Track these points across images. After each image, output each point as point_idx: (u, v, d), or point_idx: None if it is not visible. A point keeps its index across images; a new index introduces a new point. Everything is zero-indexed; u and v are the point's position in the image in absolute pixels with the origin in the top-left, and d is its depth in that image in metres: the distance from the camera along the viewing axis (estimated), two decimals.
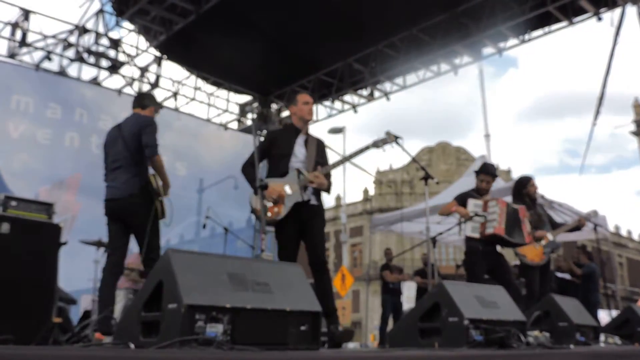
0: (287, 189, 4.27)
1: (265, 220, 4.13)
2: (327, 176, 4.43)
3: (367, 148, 4.41)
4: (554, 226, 6.41)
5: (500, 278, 5.55)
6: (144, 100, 5.11)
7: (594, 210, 7.29)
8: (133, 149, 4.73)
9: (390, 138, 4.41)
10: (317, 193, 4.43)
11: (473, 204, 5.68)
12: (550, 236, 6.17)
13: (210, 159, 11.98)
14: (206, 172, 11.93)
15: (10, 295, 3.73)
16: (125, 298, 6.70)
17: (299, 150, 4.44)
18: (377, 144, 4.41)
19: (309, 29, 10.45)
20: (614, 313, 7.56)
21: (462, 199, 5.84)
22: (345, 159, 4.44)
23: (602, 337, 4.99)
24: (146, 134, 4.71)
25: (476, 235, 5.62)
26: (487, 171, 5.99)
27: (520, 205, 5.96)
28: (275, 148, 4.46)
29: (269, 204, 4.24)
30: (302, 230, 4.33)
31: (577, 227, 6.53)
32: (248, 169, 4.40)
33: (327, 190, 4.44)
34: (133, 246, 8.70)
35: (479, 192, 5.95)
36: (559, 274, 9.70)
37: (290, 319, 2.59)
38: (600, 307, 10.20)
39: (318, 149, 4.52)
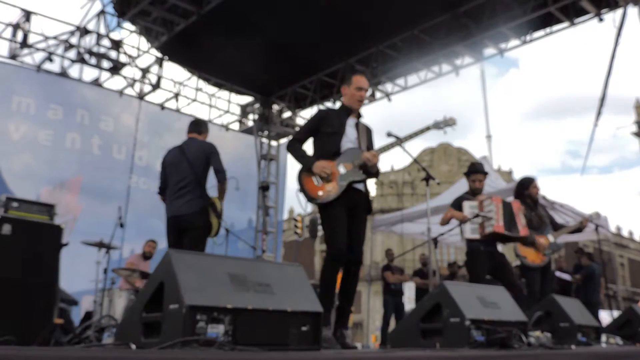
0: (341, 168, 4.01)
1: (314, 200, 3.91)
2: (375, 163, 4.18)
3: (427, 129, 4.28)
4: (556, 228, 6.40)
5: (503, 278, 5.54)
6: (200, 126, 5.65)
7: (596, 212, 7.28)
8: (199, 173, 5.25)
9: (450, 120, 4.30)
10: (366, 175, 4.13)
11: (468, 206, 5.67)
12: (551, 238, 6.16)
13: None
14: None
15: (12, 296, 3.74)
16: (127, 299, 6.70)
17: (350, 131, 4.19)
18: (437, 125, 4.30)
19: (310, 29, 10.45)
20: (616, 313, 7.55)
21: (457, 204, 5.82)
22: (401, 141, 4.19)
23: (603, 337, 4.98)
24: (215, 161, 5.31)
25: (476, 236, 5.60)
26: (476, 170, 5.99)
27: (512, 200, 5.96)
28: (325, 126, 4.14)
29: (320, 183, 3.96)
30: (349, 216, 4.01)
31: (578, 229, 6.52)
32: (295, 146, 4.15)
33: (376, 174, 4.20)
34: (135, 248, 8.72)
35: (473, 192, 5.93)
36: (560, 275, 9.70)
37: (291, 320, 2.58)
38: (602, 307, 10.21)
39: (367, 134, 4.31)
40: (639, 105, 39.24)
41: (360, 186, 4.09)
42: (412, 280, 10.37)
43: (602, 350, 4.45)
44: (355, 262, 4.01)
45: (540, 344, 3.85)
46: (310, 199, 3.99)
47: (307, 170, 4.00)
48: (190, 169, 5.22)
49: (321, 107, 12.85)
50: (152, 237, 8.56)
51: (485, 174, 6.04)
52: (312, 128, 4.20)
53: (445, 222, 5.89)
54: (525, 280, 6.33)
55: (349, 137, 4.13)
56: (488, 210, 5.58)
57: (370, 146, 4.22)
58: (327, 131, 4.12)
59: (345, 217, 3.94)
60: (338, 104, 4.27)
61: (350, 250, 3.94)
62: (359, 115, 4.32)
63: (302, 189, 4.03)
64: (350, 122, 4.22)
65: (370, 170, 4.09)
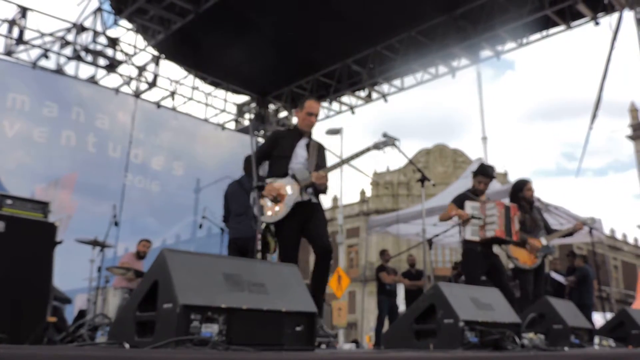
0: (288, 189, 4.28)
1: (264, 220, 4.17)
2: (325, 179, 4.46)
3: (367, 150, 4.41)
4: (549, 232, 6.41)
5: (496, 280, 5.56)
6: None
7: (592, 217, 7.29)
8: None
9: (390, 140, 4.41)
10: (315, 194, 4.44)
11: (471, 207, 5.68)
12: (544, 241, 6.16)
13: (208, 159, 11.98)
14: (203, 172, 11.91)
15: (5, 294, 3.72)
16: (121, 297, 6.68)
17: (300, 152, 4.47)
18: (377, 146, 4.41)
19: (308, 29, 10.46)
20: (609, 316, 7.58)
21: (459, 201, 5.83)
22: (344, 162, 4.43)
23: (596, 339, 5.00)
24: None
25: (476, 238, 5.62)
26: (485, 173, 5.99)
27: (511, 204, 5.97)
28: (277, 149, 4.50)
29: (269, 204, 4.25)
30: (303, 228, 4.31)
31: (571, 233, 6.55)
32: (250, 168, 4.42)
33: (324, 191, 4.46)
34: (130, 246, 8.69)
35: (475, 193, 5.94)
36: (555, 276, 9.73)
37: (285, 320, 2.58)
38: (595, 309, 10.24)
39: (319, 152, 4.56)
40: (633, 108, 39.38)
41: (312, 199, 4.39)
42: (401, 281, 10.40)
43: (595, 352, 4.47)
44: (324, 251, 4.24)
45: (534, 345, 3.86)
46: (263, 218, 4.28)
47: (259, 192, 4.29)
48: (247, 199, 5.97)
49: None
50: (147, 235, 8.54)
51: (492, 178, 6.06)
52: (266, 151, 4.55)
53: (446, 218, 5.91)
54: (519, 282, 6.35)
55: (299, 159, 4.44)
56: (490, 215, 5.60)
57: (321, 164, 4.49)
58: (278, 154, 4.47)
59: (295, 234, 4.30)
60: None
61: (316, 243, 4.22)
62: (310, 135, 4.61)
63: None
64: (302, 143, 4.52)
65: (319, 189, 4.38)
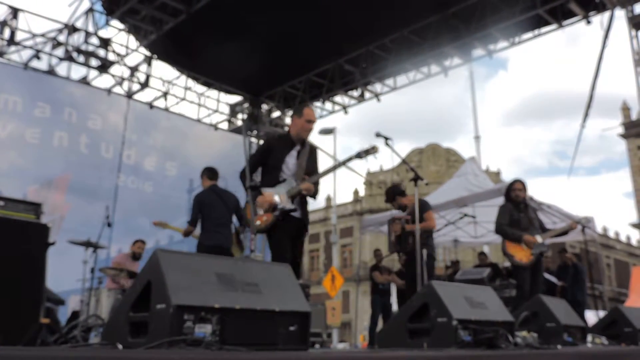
0: (276, 199, 4.39)
1: (255, 228, 4.28)
2: (316, 184, 4.58)
3: (350, 159, 4.49)
4: (543, 230, 6.45)
5: None
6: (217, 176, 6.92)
7: (586, 217, 7.34)
8: (232, 214, 6.61)
9: (373, 149, 4.48)
10: (303, 203, 4.56)
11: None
12: (539, 238, 6.20)
13: (201, 159, 11.93)
14: (196, 172, 11.74)
15: None
16: (114, 298, 6.67)
17: (291, 162, 4.56)
18: (360, 155, 4.49)
19: (300, 29, 10.45)
20: (601, 314, 7.61)
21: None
22: (329, 170, 4.57)
23: (589, 337, 5.02)
24: (242, 210, 6.49)
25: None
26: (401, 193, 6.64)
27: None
28: (269, 158, 4.58)
29: (260, 212, 4.37)
30: (292, 240, 4.49)
31: (566, 232, 6.60)
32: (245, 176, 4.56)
33: (314, 196, 4.59)
34: (123, 247, 8.65)
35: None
36: (546, 276, 9.75)
37: (279, 319, 2.58)
38: (588, 307, 10.28)
39: (310, 157, 4.65)
40: (625, 107, 39.58)
41: (296, 214, 4.48)
42: (394, 281, 10.39)
43: (588, 350, 4.49)
44: None
45: (527, 344, 3.87)
46: (252, 227, 4.40)
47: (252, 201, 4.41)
48: (227, 211, 6.57)
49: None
50: (140, 236, 8.50)
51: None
52: (259, 160, 4.64)
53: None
54: (515, 279, 6.38)
55: (290, 169, 4.53)
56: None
57: (311, 170, 4.62)
58: (269, 164, 4.57)
59: (287, 241, 4.44)
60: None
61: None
62: (304, 142, 4.67)
63: (246, 219, 4.66)
64: (293, 152, 4.60)
65: (307, 194, 4.51)
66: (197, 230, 6.53)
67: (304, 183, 4.43)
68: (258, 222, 4.37)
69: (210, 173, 6.94)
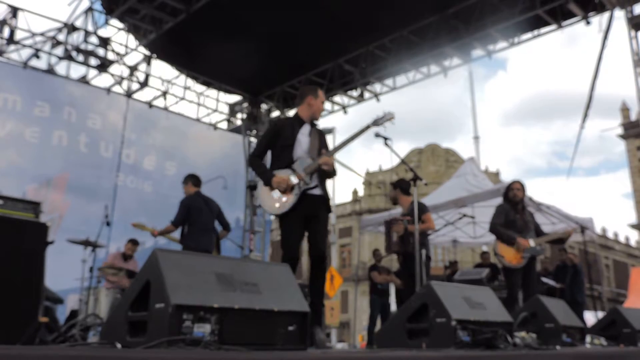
0: (293, 179, 4.22)
1: (271, 212, 4.20)
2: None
3: (367, 128, 4.42)
4: (539, 234, 6.42)
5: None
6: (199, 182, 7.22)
7: (585, 219, 7.32)
8: (215, 220, 7.05)
9: (389, 114, 4.41)
10: (321, 182, 4.36)
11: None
12: (532, 242, 6.16)
13: (200, 159, 11.95)
14: (195, 171, 11.82)
15: None
16: (113, 297, 6.66)
17: (304, 139, 4.39)
18: (376, 122, 4.43)
19: (300, 29, 10.44)
20: (600, 314, 7.61)
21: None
22: (347, 141, 4.38)
23: (588, 338, 5.02)
24: (224, 217, 7.26)
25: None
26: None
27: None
28: (279, 139, 4.39)
29: (275, 195, 4.21)
30: (306, 222, 4.25)
31: (562, 240, 6.51)
32: (256, 162, 4.41)
33: (331, 175, 4.40)
34: (122, 246, 8.66)
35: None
36: (545, 280, 9.73)
37: (278, 319, 2.58)
38: (587, 308, 10.28)
39: (320, 138, 4.49)
40: (625, 107, 39.61)
41: (316, 191, 4.30)
42: (392, 281, 10.39)
43: (587, 350, 4.49)
44: (318, 258, 4.24)
45: (526, 344, 3.87)
46: (270, 210, 4.28)
47: (266, 184, 4.26)
48: (211, 217, 6.95)
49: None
50: (139, 236, 8.48)
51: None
52: (268, 142, 4.46)
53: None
54: (505, 282, 6.37)
55: (302, 147, 4.36)
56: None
57: (324, 148, 4.42)
58: (280, 144, 4.37)
59: (299, 225, 4.24)
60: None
61: (311, 248, 4.23)
62: (312, 123, 4.54)
63: (262, 203, 4.36)
64: (304, 130, 4.45)
65: (327, 172, 4.31)
66: (175, 233, 6.67)
67: (322, 157, 4.24)
68: (277, 205, 4.20)
69: (195, 180, 7.17)
